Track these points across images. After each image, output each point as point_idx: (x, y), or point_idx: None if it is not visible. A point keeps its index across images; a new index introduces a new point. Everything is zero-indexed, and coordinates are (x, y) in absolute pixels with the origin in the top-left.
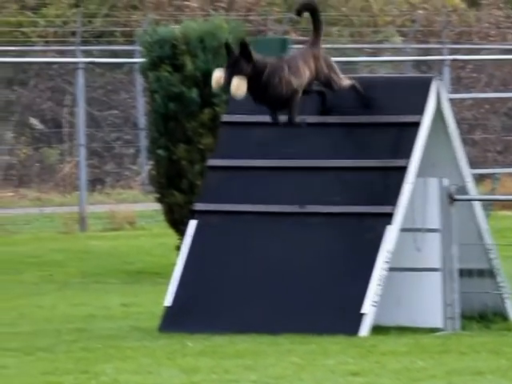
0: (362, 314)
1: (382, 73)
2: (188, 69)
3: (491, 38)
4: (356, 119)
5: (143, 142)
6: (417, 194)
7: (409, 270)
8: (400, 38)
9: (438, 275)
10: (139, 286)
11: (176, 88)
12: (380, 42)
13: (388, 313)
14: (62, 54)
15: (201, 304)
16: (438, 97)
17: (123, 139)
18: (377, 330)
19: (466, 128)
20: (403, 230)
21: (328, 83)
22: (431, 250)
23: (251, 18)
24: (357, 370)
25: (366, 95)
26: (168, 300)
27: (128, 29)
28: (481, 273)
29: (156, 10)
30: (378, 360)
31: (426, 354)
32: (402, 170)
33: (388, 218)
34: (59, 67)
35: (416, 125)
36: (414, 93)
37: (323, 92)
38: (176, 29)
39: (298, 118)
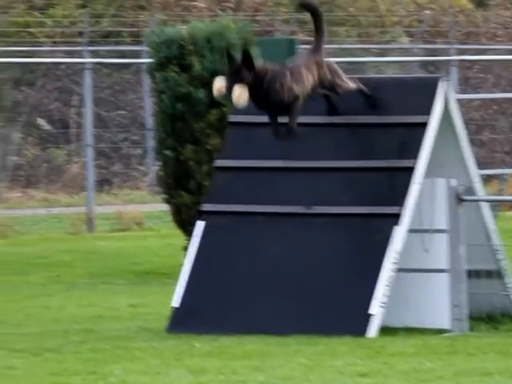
0: (370, 315)
1: (390, 73)
2: (195, 69)
3: (499, 39)
4: (363, 120)
5: (150, 143)
6: (424, 194)
7: (416, 270)
8: (407, 38)
9: (445, 276)
10: (147, 286)
11: (183, 88)
12: (387, 42)
13: (396, 314)
14: (69, 54)
15: (208, 305)
16: (446, 97)
17: (131, 140)
18: (384, 330)
19: (474, 128)
20: (411, 230)
21: (332, 88)
22: (439, 251)
23: (258, 18)
24: (365, 371)
25: (372, 95)
26: (175, 301)
27: (135, 29)
28: (489, 274)
29: (163, 11)
30: (386, 361)
31: (434, 355)
32: (410, 170)
33: (395, 218)
34: (67, 67)
35: (423, 125)
36: (421, 93)
37: (328, 95)
38: (183, 29)
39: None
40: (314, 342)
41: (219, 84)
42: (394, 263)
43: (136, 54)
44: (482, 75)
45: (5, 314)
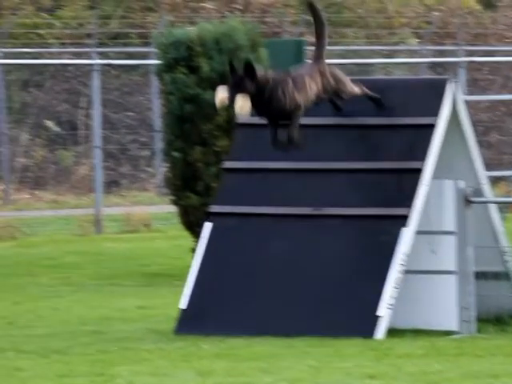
0: (378, 317)
1: (398, 75)
2: (204, 71)
3: (507, 40)
4: (371, 121)
5: (159, 144)
6: (432, 196)
7: (424, 272)
8: (416, 39)
9: (453, 278)
10: (155, 288)
11: (191, 90)
12: (396, 43)
13: (403, 315)
14: (77, 55)
15: (216, 306)
16: (454, 99)
17: (139, 141)
18: (392, 332)
19: (482, 130)
20: (419, 232)
21: (336, 94)
22: (447, 253)
23: (267, 19)
24: (373, 372)
25: (378, 97)
26: (183, 302)
27: (143, 30)
28: (496, 275)
29: (171, 12)
30: (393, 363)
31: (442, 356)
32: (418, 172)
33: (403, 220)
34: (75, 69)
35: (431, 127)
36: (429, 95)
37: (332, 99)
38: (191, 30)
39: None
40: (321, 343)
41: (222, 95)
42: (402, 265)
43: (144, 56)
44: (490, 77)
45: (13, 315)
